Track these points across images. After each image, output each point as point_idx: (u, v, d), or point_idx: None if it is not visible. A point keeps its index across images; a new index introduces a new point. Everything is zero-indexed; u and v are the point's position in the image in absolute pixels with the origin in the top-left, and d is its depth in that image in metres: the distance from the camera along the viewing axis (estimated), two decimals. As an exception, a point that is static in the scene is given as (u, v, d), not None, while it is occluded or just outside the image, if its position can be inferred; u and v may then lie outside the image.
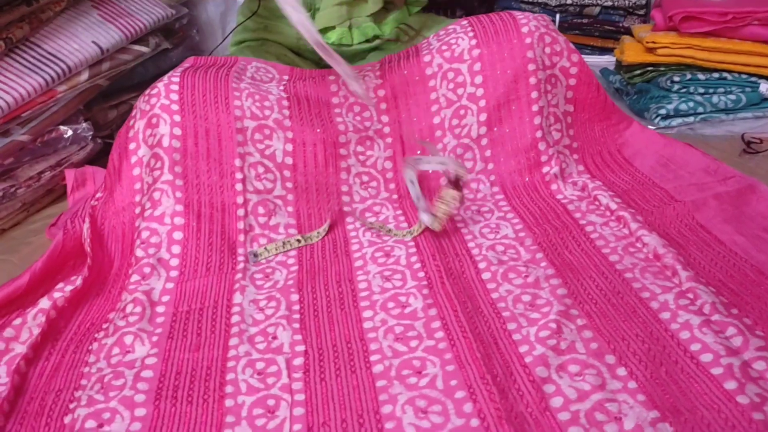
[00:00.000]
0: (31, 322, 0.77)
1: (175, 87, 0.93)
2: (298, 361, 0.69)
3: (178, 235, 0.86)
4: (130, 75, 1.29)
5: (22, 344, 0.74)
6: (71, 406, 0.65)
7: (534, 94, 1.00)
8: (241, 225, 0.89)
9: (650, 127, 1.20)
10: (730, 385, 0.60)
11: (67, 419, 0.63)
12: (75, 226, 0.92)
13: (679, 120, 1.21)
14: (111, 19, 1.19)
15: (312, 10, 1.18)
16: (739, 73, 1.22)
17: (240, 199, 0.91)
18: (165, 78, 0.95)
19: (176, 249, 0.85)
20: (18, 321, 0.77)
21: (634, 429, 0.57)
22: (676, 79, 1.22)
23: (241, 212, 0.90)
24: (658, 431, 0.56)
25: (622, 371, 0.63)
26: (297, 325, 0.74)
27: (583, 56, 1.59)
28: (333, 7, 1.14)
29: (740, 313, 0.69)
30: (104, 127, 1.25)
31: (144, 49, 1.24)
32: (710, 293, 0.71)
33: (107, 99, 1.26)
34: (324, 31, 1.15)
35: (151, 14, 1.26)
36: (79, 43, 1.12)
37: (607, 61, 1.51)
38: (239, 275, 0.83)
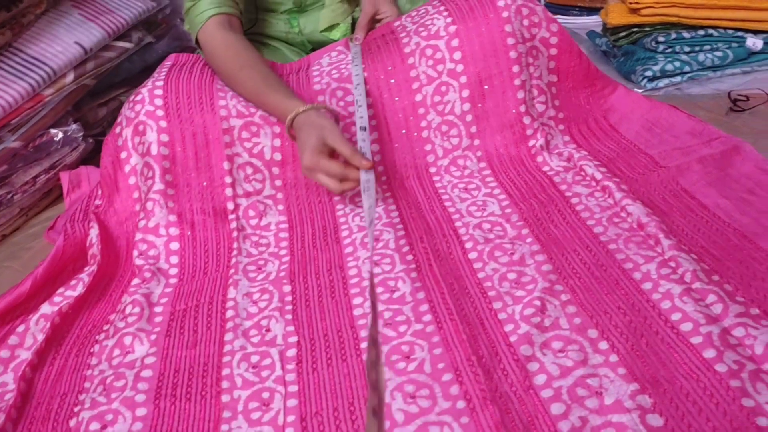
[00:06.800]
0: (34, 327, 0.79)
1: (159, 92, 0.93)
2: (291, 353, 0.71)
3: (174, 246, 0.89)
4: (117, 71, 1.30)
5: (27, 350, 0.77)
6: (76, 409, 0.68)
7: (515, 68, 0.99)
8: (233, 225, 0.92)
9: (637, 90, 1.20)
10: (709, 353, 0.61)
11: (72, 422, 0.66)
12: (75, 230, 0.94)
13: (666, 81, 1.20)
14: (92, 17, 1.19)
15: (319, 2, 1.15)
16: (725, 28, 1.21)
17: (230, 205, 0.93)
18: (149, 83, 0.95)
19: (174, 259, 0.88)
20: (21, 328, 0.79)
21: (614, 403, 0.58)
22: (661, 39, 1.21)
23: (232, 216, 0.92)
24: (638, 404, 0.58)
25: (603, 345, 0.65)
26: (290, 317, 0.76)
27: (571, 17, 1.58)
28: (336, 4, 1.13)
29: (721, 279, 0.70)
30: (95, 125, 1.26)
31: (127, 44, 1.25)
32: (692, 261, 0.72)
33: (96, 97, 1.27)
34: (329, 29, 1.14)
35: (132, 9, 1.26)
36: (62, 44, 1.12)
37: (596, 22, 1.49)
38: (232, 270, 0.85)
